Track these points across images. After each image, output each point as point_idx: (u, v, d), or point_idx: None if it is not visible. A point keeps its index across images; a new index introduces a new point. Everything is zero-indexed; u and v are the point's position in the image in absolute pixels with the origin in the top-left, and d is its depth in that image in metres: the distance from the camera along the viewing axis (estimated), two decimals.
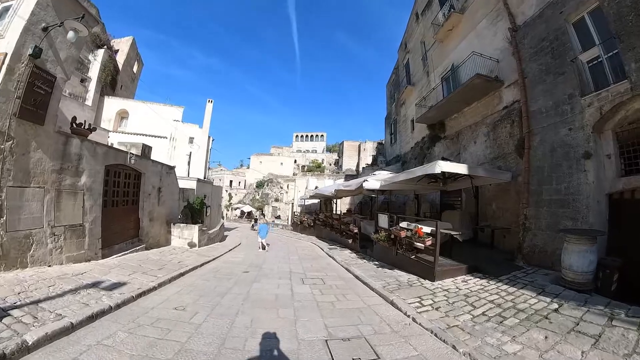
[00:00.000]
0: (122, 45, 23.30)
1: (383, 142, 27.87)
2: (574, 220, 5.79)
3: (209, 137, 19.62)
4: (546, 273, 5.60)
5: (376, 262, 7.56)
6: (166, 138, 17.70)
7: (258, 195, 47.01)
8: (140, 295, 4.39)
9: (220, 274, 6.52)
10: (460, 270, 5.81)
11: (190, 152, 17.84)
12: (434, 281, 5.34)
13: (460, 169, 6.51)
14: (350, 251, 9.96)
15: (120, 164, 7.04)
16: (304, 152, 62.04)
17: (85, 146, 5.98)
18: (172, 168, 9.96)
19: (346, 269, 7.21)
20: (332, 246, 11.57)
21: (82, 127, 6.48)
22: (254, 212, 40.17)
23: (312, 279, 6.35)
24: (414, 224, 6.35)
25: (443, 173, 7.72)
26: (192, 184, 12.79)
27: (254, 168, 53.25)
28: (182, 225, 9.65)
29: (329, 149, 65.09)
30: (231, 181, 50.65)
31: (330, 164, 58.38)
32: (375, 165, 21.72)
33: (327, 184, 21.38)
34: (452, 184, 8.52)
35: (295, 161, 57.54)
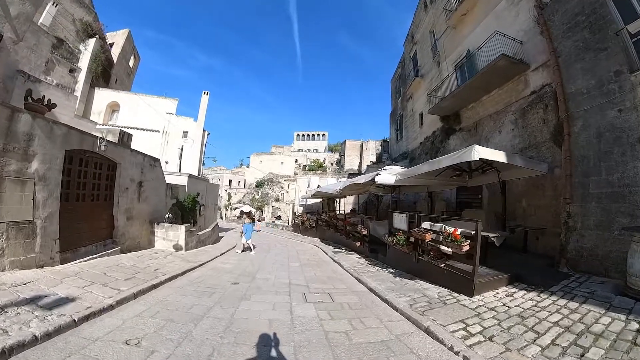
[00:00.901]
0: (118, 39, 22.37)
1: (387, 139, 26.84)
2: (633, 217, 4.80)
3: (204, 130, 18.46)
4: (602, 281, 4.64)
5: (391, 270, 6.43)
6: (159, 132, 16.61)
7: (258, 195, 46.02)
8: (86, 318, 3.23)
9: (203, 286, 5.32)
10: (500, 280, 4.69)
11: (182, 146, 16.67)
12: (472, 296, 4.21)
13: (498, 155, 5.42)
14: (358, 256, 8.84)
15: (87, 150, 5.86)
16: (305, 151, 60.98)
17: (38, 124, 4.79)
18: (156, 160, 8.81)
19: (357, 278, 6.06)
20: (337, 249, 10.50)
21: (42, 103, 5.38)
22: (253, 212, 39.11)
23: (317, 294, 5.16)
24: (439, 225, 5.23)
25: (469, 164, 6.64)
26: (183, 180, 11.66)
27: (254, 167, 52.33)
28: (167, 225, 8.50)
29: (330, 149, 64.09)
30: (230, 180, 49.85)
31: (332, 164, 57.41)
32: (380, 162, 20.63)
33: (330, 183, 20.26)
34: (478, 177, 7.42)
35: (296, 160, 56.55)
